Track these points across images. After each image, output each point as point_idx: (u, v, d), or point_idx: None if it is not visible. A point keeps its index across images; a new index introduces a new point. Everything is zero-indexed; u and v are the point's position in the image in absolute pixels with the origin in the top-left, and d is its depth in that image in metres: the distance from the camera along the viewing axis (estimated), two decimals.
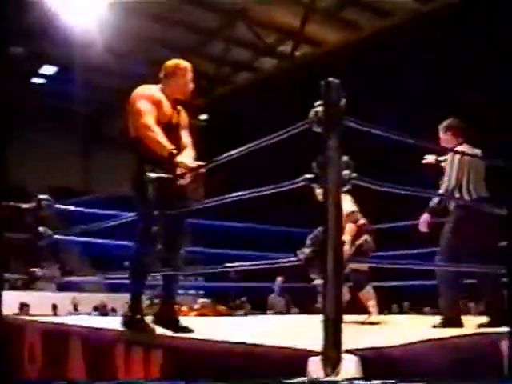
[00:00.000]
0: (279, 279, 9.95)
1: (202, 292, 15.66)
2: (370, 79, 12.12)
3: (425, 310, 10.53)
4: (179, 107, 4.18)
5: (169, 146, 3.79)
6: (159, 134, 3.82)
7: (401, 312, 10.88)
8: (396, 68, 12.54)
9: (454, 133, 4.93)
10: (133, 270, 3.94)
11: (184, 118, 4.20)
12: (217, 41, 17.55)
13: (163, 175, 3.79)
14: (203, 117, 21.41)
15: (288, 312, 10.45)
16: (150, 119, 3.87)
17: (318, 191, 5.92)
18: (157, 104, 3.98)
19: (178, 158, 3.79)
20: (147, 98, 3.98)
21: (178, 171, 3.81)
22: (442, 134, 5.00)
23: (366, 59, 12.95)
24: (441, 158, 5.17)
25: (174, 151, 3.79)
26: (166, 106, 4.05)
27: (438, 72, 11.51)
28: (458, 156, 4.72)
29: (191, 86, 4.21)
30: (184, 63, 4.21)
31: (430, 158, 5.22)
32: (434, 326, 4.39)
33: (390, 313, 10.50)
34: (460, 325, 4.39)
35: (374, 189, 3.06)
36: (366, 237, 5.27)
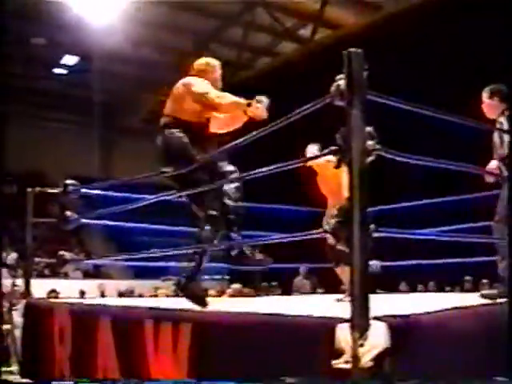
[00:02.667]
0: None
1: (227, 277, 15.70)
2: (391, 61, 12.00)
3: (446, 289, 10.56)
4: None
5: (243, 101, 3.94)
6: (231, 96, 3.99)
7: (426, 291, 10.86)
8: (418, 50, 12.40)
9: (500, 98, 4.78)
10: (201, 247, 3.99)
11: None
12: (236, 26, 17.50)
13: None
14: None
15: (314, 293, 10.47)
16: (214, 92, 4.04)
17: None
18: None
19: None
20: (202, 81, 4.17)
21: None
22: (486, 99, 4.85)
23: (388, 41, 12.81)
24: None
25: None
26: None
27: (463, 53, 11.33)
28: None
29: (220, 83, 4.37)
30: (214, 61, 4.42)
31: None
32: (484, 296, 4.12)
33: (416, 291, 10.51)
34: None
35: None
36: None
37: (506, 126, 4.64)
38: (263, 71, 17.72)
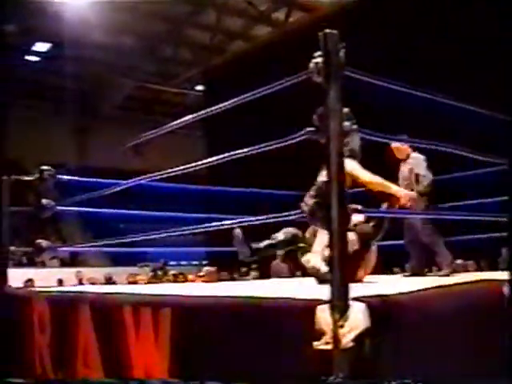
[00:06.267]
0: None
1: (205, 262, 15.69)
2: (366, 43, 11.97)
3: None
4: None
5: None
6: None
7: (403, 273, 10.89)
8: (393, 31, 12.39)
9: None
10: None
11: None
12: (210, 10, 17.39)
13: None
14: (199, 87, 21.31)
15: (292, 277, 10.46)
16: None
17: None
18: None
19: None
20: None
21: None
22: (395, 143, 5.62)
23: (362, 23, 12.80)
24: None
25: None
26: None
27: (444, 31, 11.33)
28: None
29: None
30: None
31: None
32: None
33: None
34: None
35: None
36: None
37: (421, 161, 5.67)
38: (237, 55, 17.64)
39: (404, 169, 5.80)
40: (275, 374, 2.57)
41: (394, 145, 5.67)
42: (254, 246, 4.44)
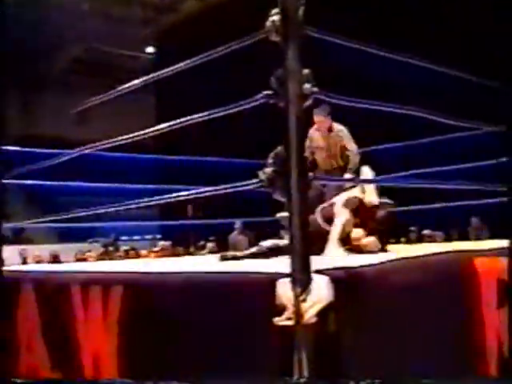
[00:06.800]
0: None
1: (159, 236, 15.48)
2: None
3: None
4: None
5: None
6: None
7: None
8: None
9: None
10: None
11: None
12: None
13: None
14: (150, 49, 20.86)
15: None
16: None
17: None
18: None
19: None
20: None
21: None
22: (324, 118, 5.43)
23: None
24: None
25: None
26: None
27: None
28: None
29: None
30: None
31: None
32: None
33: None
34: None
35: None
36: None
37: (347, 133, 5.55)
38: (191, 15, 17.12)
39: (327, 141, 5.62)
40: (234, 352, 2.44)
41: (318, 117, 5.45)
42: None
